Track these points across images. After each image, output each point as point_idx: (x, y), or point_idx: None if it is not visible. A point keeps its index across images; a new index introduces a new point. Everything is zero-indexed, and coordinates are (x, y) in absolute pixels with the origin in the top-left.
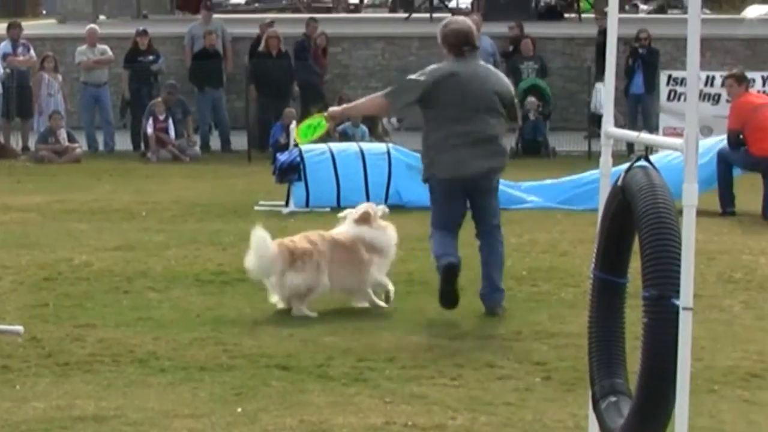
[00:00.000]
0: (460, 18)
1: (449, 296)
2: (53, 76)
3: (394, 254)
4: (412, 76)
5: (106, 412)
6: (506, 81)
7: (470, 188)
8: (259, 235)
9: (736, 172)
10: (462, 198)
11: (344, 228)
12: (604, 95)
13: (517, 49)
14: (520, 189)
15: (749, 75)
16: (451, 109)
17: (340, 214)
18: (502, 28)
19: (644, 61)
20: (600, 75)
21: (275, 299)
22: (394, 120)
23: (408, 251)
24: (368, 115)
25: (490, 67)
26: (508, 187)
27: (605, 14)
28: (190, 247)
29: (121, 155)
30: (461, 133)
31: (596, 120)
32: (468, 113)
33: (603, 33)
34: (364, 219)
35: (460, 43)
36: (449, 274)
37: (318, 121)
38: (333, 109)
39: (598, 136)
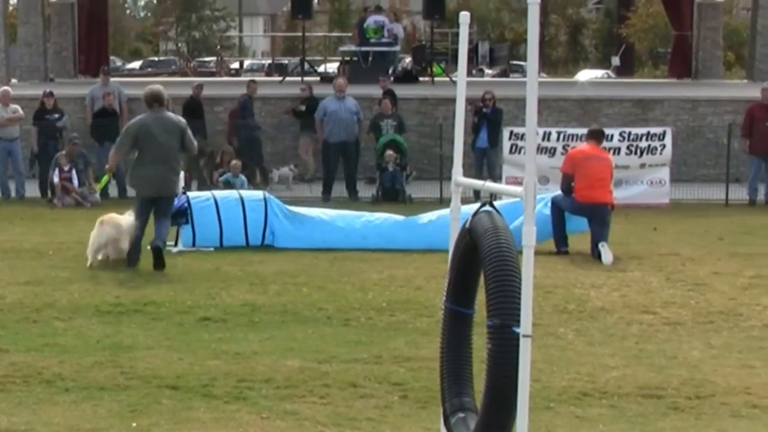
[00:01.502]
0: (155, 85)
1: (134, 260)
2: None
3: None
4: (125, 131)
5: (17, 427)
6: (182, 122)
7: (157, 198)
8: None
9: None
10: (152, 203)
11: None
12: (454, 149)
13: None
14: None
15: (580, 132)
16: (147, 148)
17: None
18: (364, 89)
19: (489, 118)
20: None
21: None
22: (286, 170)
23: (282, 285)
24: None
25: (171, 115)
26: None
27: (383, 82)
28: (91, 282)
29: (31, 201)
30: (153, 165)
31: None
32: (157, 151)
33: (386, 93)
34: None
35: (152, 101)
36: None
37: (106, 176)
38: (108, 166)
39: (371, 180)
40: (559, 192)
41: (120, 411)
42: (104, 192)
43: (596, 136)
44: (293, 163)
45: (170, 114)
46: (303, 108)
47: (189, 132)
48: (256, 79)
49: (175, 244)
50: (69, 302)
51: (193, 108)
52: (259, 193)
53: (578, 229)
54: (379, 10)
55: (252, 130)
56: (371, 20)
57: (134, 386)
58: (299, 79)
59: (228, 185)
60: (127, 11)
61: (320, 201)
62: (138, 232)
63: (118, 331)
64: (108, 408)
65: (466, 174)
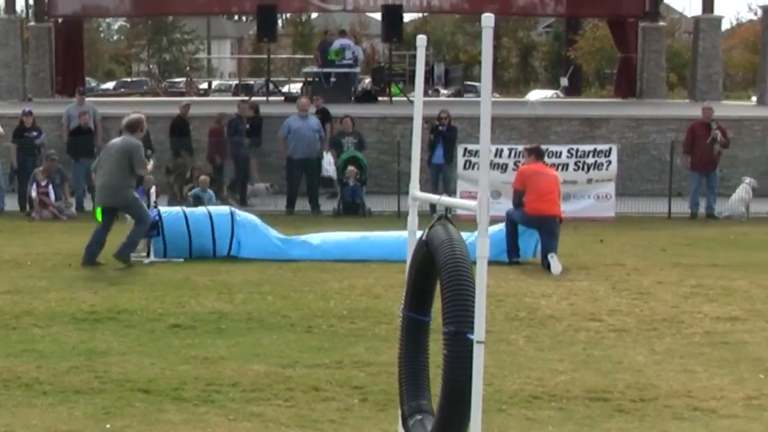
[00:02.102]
0: (136, 114)
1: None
2: None
3: None
4: None
5: None
6: (133, 145)
7: (117, 207)
8: None
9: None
10: (112, 212)
11: None
12: (412, 165)
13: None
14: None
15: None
16: (101, 164)
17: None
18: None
19: (444, 136)
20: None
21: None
22: (261, 186)
23: (248, 294)
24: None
25: (128, 139)
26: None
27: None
28: (67, 290)
29: (10, 215)
30: (100, 178)
31: (324, 181)
32: (105, 167)
33: (319, 112)
34: None
35: (124, 127)
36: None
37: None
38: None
39: (333, 195)
40: (508, 206)
41: (94, 413)
42: (80, 206)
43: (538, 153)
44: (269, 182)
45: (127, 139)
46: (247, 126)
47: (136, 154)
48: (225, 99)
49: (147, 255)
50: (46, 310)
51: (180, 126)
52: (225, 208)
53: (529, 254)
54: (343, 33)
55: (239, 148)
56: (338, 43)
57: (108, 390)
58: (264, 98)
59: (197, 200)
60: (101, 34)
61: (284, 214)
62: (97, 235)
63: (93, 337)
64: (83, 410)
65: (422, 189)
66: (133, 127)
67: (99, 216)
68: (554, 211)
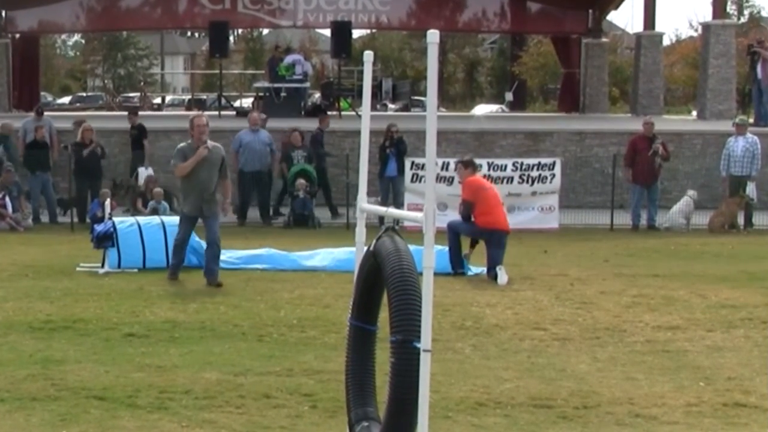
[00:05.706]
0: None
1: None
2: None
3: None
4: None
5: None
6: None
7: None
8: None
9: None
10: None
11: None
12: (359, 178)
13: None
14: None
15: (477, 161)
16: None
17: None
18: (276, 123)
19: (398, 149)
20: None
21: None
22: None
23: (200, 304)
24: None
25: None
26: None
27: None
28: (24, 300)
29: None
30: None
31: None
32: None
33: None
34: None
35: None
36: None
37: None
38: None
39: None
40: (454, 218)
41: (51, 420)
42: (36, 217)
43: (471, 165)
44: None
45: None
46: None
47: (223, 159)
48: (178, 113)
49: (102, 266)
50: (4, 319)
51: None
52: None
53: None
54: (288, 51)
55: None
56: (289, 59)
57: (64, 397)
58: (216, 113)
59: (153, 212)
60: (57, 50)
61: (236, 225)
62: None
63: (49, 346)
64: (40, 417)
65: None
66: None
67: None
68: (504, 225)
